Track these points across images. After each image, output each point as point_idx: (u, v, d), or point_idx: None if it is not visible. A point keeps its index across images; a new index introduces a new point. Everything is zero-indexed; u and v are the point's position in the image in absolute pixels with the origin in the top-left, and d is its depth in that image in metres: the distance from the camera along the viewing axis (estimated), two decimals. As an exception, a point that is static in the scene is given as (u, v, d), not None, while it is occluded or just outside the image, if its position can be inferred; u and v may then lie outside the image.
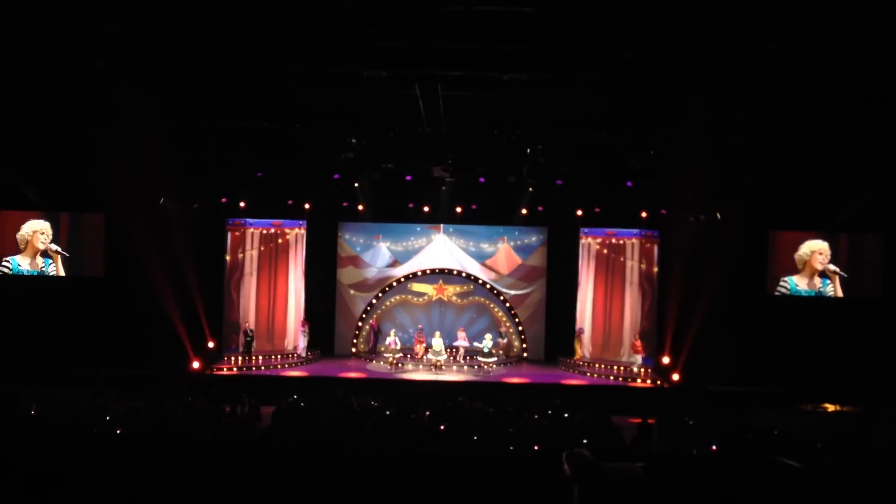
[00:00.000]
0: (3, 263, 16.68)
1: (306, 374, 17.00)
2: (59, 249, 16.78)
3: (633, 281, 18.58)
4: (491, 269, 20.02)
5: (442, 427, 10.09)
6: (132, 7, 10.08)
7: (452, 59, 11.07)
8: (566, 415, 11.46)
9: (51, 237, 16.79)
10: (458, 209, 18.49)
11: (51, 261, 16.80)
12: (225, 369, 16.83)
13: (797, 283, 17.04)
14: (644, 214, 17.68)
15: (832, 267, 16.97)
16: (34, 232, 16.77)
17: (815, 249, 17.05)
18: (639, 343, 17.52)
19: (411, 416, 10.80)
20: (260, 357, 17.69)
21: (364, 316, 19.75)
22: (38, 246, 16.76)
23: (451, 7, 9.51)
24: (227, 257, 18.53)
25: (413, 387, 15.68)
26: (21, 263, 16.68)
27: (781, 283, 17.15)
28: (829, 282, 17.05)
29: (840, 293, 17.03)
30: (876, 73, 11.34)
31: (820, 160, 15.05)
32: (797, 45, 10.30)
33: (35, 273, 16.71)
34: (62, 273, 16.86)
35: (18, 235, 16.78)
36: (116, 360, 16.36)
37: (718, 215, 16.57)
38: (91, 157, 15.19)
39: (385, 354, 18.13)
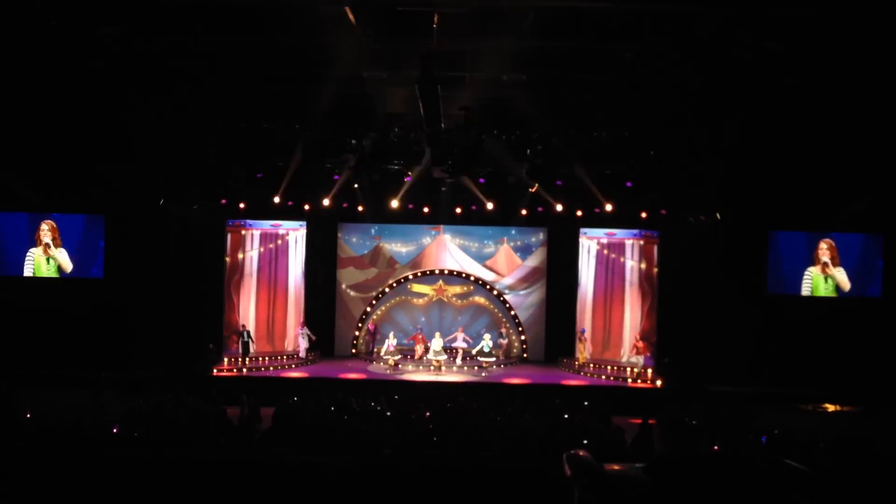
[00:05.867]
0: (28, 255, 17.52)
1: (306, 375, 16.99)
2: (55, 248, 17.52)
3: (633, 281, 18.58)
4: (491, 269, 20.01)
5: (442, 428, 10.08)
6: (132, 9, 10.08)
7: (453, 59, 11.07)
8: (566, 415, 11.45)
9: (52, 231, 17.59)
10: (458, 210, 18.48)
11: (57, 252, 17.54)
12: (225, 371, 16.82)
13: (816, 272, 17.81)
14: (644, 215, 17.67)
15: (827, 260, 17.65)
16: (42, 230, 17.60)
17: (822, 246, 17.75)
18: (640, 343, 17.50)
19: (411, 417, 10.80)
20: (260, 358, 17.68)
21: (364, 317, 19.74)
22: (44, 240, 17.48)
23: (451, 8, 9.52)
24: (227, 258, 18.52)
25: (413, 388, 15.67)
26: (37, 254, 17.57)
27: (806, 276, 17.70)
28: (835, 271, 17.66)
29: (846, 281, 17.49)
30: (875, 72, 11.35)
31: (819, 160, 15.06)
32: (797, 44, 10.29)
33: (47, 261, 17.55)
34: (69, 265, 17.47)
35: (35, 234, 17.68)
36: (116, 361, 16.36)
37: (718, 216, 16.57)
38: (91, 158, 15.20)
39: (384, 356, 18.12)
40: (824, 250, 17.59)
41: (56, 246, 17.41)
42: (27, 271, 17.41)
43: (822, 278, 17.56)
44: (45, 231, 17.43)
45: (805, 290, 17.62)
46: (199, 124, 15.08)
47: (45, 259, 17.40)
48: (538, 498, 5.07)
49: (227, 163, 16.04)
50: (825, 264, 17.53)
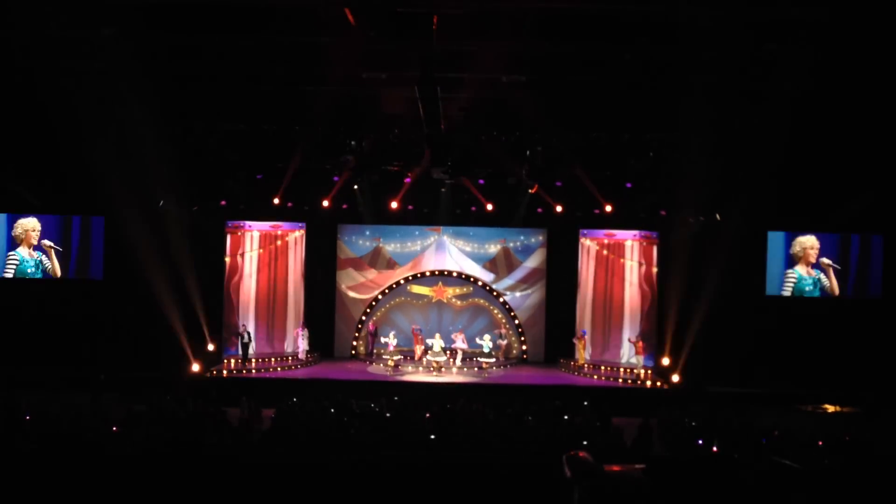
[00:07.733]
0: (11, 258, 17.33)
1: (306, 376, 16.98)
2: (52, 244, 17.42)
3: (632, 282, 18.56)
4: (490, 270, 20.00)
5: (442, 429, 10.08)
6: (132, 9, 10.08)
7: (452, 59, 11.07)
8: (566, 416, 11.45)
9: (40, 232, 17.48)
10: (458, 211, 18.48)
11: (43, 254, 17.41)
12: (225, 372, 16.81)
13: (801, 273, 17.57)
14: (643, 215, 17.67)
15: (825, 260, 17.48)
16: (26, 231, 17.42)
17: (806, 245, 17.60)
18: (639, 344, 17.50)
19: (411, 418, 10.80)
20: (260, 359, 17.67)
21: (364, 318, 19.73)
22: (32, 242, 17.41)
23: (451, 8, 9.53)
24: (227, 259, 18.50)
25: (413, 389, 15.64)
26: (23, 254, 17.41)
27: (789, 276, 17.59)
28: (822, 273, 17.52)
29: (836, 285, 17.44)
30: (875, 71, 11.36)
31: (819, 160, 15.06)
32: (796, 45, 10.30)
33: (35, 262, 17.39)
34: (58, 268, 17.42)
35: (13, 234, 17.45)
36: (116, 362, 16.35)
37: (718, 216, 16.56)
38: (91, 159, 15.19)
39: (384, 357, 18.10)
40: (810, 253, 17.49)
41: (44, 248, 17.32)
42: (8, 273, 17.24)
43: (809, 280, 17.51)
44: (32, 235, 17.32)
45: (786, 291, 17.57)
46: (199, 125, 15.09)
47: (33, 257, 17.34)
48: (538, 498, 5.07)
49: (226, 163, 16.04)
50: (811, 265, 17.50)
